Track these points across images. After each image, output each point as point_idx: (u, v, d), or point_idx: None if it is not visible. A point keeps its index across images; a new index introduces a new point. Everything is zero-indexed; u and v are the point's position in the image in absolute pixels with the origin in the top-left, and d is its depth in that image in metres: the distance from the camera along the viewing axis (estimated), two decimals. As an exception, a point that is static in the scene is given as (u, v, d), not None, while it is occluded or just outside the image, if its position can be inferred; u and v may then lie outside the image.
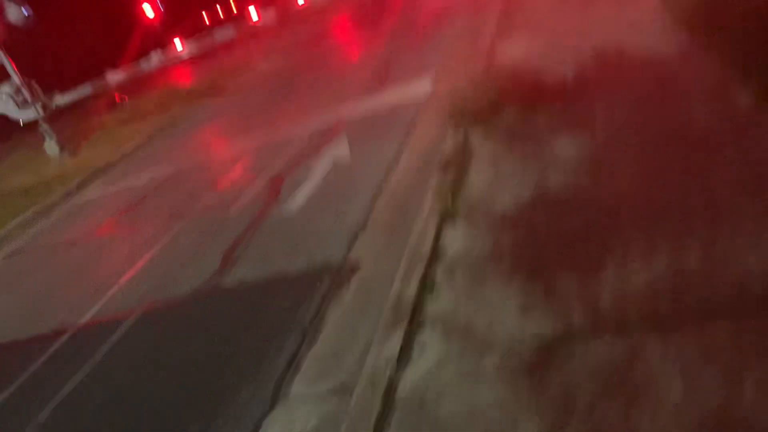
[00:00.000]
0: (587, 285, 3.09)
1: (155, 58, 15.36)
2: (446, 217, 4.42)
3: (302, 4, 15.15)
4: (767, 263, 2.74)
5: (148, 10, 33.77)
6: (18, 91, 14.23)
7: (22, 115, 14.69)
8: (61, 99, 15.31)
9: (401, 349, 3.26)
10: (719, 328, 2.55)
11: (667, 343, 2.56)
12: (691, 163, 3.73)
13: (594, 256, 3.28)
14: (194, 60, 23.92)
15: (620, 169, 4.01)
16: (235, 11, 38.11)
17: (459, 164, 5.14)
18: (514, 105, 5.78)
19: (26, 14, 14.16)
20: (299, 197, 6.37)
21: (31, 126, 16.54)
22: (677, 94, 4.67)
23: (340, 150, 7.36)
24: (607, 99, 5.12)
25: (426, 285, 3.73)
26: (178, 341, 4.64)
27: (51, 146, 14.82)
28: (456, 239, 4.10)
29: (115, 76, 15.98)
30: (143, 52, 16.85)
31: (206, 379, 4.00)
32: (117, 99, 22.00)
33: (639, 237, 3.27)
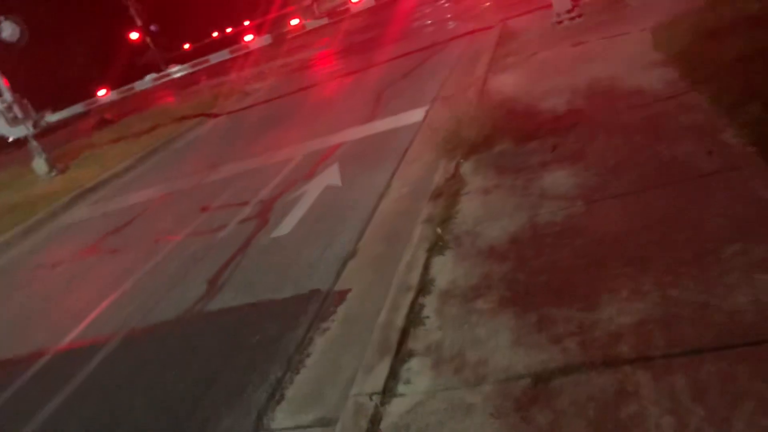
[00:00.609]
0: (578, 319, 3.05)
1: (148, 79, 15.34)
2: (436, 247, 4.39)
3: (296, 25, 15.26)
4: (755, 301, 2.71)
5: (142, 32, 34.05)
6: (9, 107, 14.16)
7: (12, 133, 14.59)
8: (51, 117, 15.24)
9: (387, 380, 3.20)
10: (709, 364, 2.51)
11: (658, 378, 2.53)
12: (682, 199, 3.73)
13: (585, 290, 3.25)
14: (188, 82, 24.01)
15: (610, 204, 4.01)
16: (230, 33, 38.49)
17: (450, 194, 5.13)
18: (507, 137, 5.80)
19: (20, 33, 14.15)
20: (288, 223, 6.32)
21: (20, 143, 16.45)
22: (666, 129, 4.70)
23: (331, 177, 7.34)
24: (597, 133, 5.14)
25: (414, 315, 3.68)
26: (159, 367, 4.54)
27: (40, 164, 14.71)
28: (445, 270, 4.06)
29: (107, 96, 15.94)
30: (136, 73, 16.85)
31: (187, 407, 3.89)
32: (108, 119, 21.99)
33: (629, 272, 3.25)
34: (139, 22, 35.56)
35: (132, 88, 15.54)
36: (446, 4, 20.93)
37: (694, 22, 6.67)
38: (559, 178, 4.64)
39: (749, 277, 2.88)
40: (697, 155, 4.13)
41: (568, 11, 9.98)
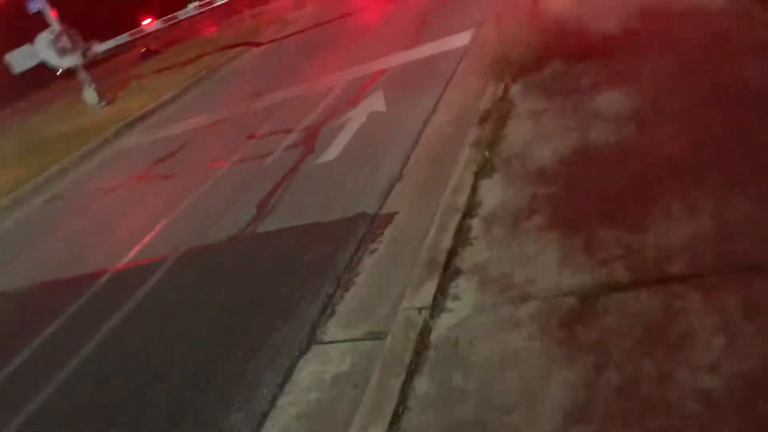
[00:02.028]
0: (627, 239, 3.04)
1: (191, 8, 15.29)
2: (483, 170, 4.38)
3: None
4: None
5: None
6: (58, 38, 14.35)
7: (62, 63, 14.84)
8: (99, 47, 15.41)
9: (435, 296, 3.28)
10: (762, 283, 2.49)
11: (709, 298, 2.52)
12: (740, 120, 3.60)
13: (635, 210, 3.22)
14: (229, 10, 23.80)
15: (664, 123, 3.90)
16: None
17: (498, 117, 5.06)
18: (558, 59, 5.64)
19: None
20: (334, 149, 6.36)
21: (69, 75, 16.74)
22: (728, 49, 4.48)
23: (376, 103, 7.30)
24: (652, 53, 4.95)
25: (461, 236, 3.72)
26: (213, 286, 4.74)
27: (90, 94, 15.01)
28: (493, 192, 4.06)
29: (151, 26, 15.99)
30: (180, 0, 16.79)
31: (241, 322, 4.08)
32: (153, 49, 22.11)
33: (683, 190, 3.20)
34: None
35: (175, 17, 15.53)
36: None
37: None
38: (610, 100, 4.51)
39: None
40: (757, 73, 3.95)
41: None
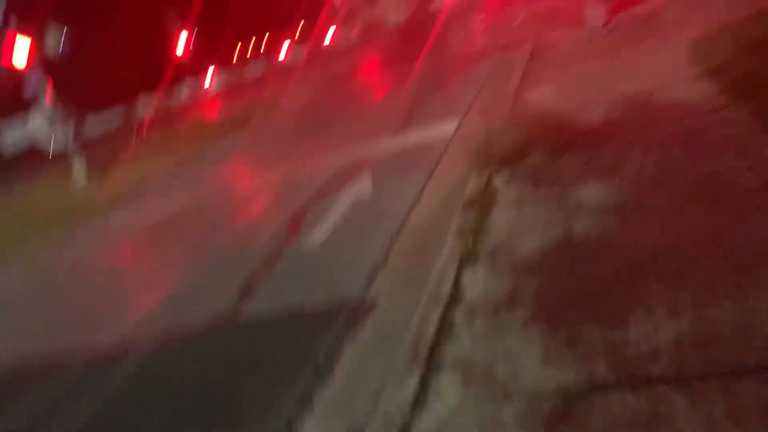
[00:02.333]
0: (611, 336, 2.99)
1: (185, 91, 15.66)
2: (467, 259, 4.36)
3: (329, 44, 15.50)
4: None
5: (181, 43, 34.55)
6: (50, 117, 14.56)
7: (53, 142, 15.00)
8: (91, 129, 15.64)
9: (417, 392, 3.17)
10: (747, 387, 2.43)
11: (693, 400, 2.45)
12: (721, 215, 3.64)
13: (618, 306, 3.18)
14: (222, 94, 24.44)
15: (647, 219, 3.93)
16: (264, 49, 38.96)
17: (482, 206, 5.09)
18: (541, 149, 5.75)
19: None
20: (320, 233, 6.35)
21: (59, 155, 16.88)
22: (705, 143, 4.60)
23: (363, 187, 7.37)
24: (634, 146, 5.06)
25: (444, 328, 3.65)
26: (189, 374, 4.58)
27: (79, 173, 15.09)
28: (476, 282, 4.02)
29: (144, 107, 16.32)
30: (173, 84, 17.23)
31: (216, 414, 3.91)
32: (145, 130, 22.46)
33: (665, 289, 3.17)
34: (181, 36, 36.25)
35: (170, 100, 15.86)
36: (481, 19, 20.93)
37: (733, 36, 6.55)
38: (593, 192, 4.56)
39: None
40: (736, 171, 4.03)
41: (603, 25, 9.89)
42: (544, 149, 5.71)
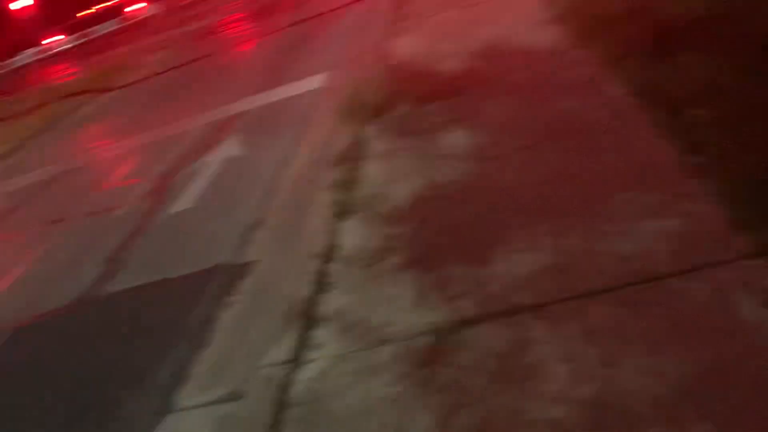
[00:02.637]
0: (476, 274, 3.12)
1: (30, 53, 14.29)
2: (341, 212, 4.36)
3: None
4: (641, 244, 2.87)
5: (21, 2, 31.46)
6: None
7: None
8: None
9: (295, 348, 3.17)
10: (599, 307, 2.64)
11: (552, 325, 2.63)
12: (571, 151, 3.87)
13: (482, 245, 3.33)
14: (76, 56, 22.57)
15: (505, 161, 4.11)
16: (118, 3, 36.28)
17: (353, 159, 5.10)
18: (407, 100, 5.81)
19: None
20: (189, 197, 6.10)
21: None
22: (556, 85, 4.85)
23: (232, 147, 7.13)
24: (492, 92, 5.25)
25: (321, 282, 3.65)
26: (55, 356, 4.30)
27: None
28: (351, 234, 4.04)
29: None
30: (16, 48, 15.67)
31: (88, 395, 3.71)
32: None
33: (524, 225, 3.36)
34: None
35: (11, 64, 14.44)
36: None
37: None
38: (457, 138, 4.70)
39: (633, 223, 3.04)
40: (585, 109, 4.29)
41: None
42: (410, 100, 5.78)
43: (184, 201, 6.04)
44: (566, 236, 3.14)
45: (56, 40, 15.05)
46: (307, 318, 3.38)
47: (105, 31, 13.81)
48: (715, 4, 4.71)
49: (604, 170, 3.55)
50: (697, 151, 3.30)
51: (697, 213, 2.93)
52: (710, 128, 3.40)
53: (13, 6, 32.68)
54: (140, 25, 20.15)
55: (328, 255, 3.91)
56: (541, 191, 3.60)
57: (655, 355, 2.32)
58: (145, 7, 15.87)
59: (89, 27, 14.02)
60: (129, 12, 15.19)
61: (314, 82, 8.30)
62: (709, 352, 2.25)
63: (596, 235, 3.07)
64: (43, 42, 18.74)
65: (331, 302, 3.43)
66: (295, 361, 3.09)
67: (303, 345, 3.18)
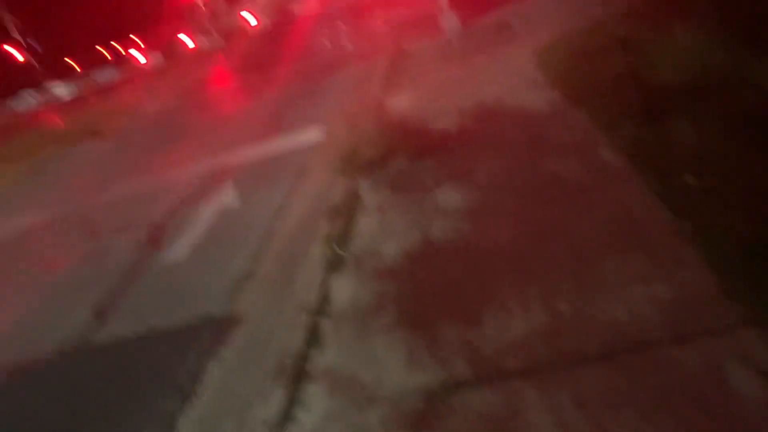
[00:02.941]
0: (467, 335, 3.12)
1: (28, 99, 14.43)
2: (333, 266, 4.37)
3: (192, 48, 14.98)
4: (632, 310, 2.88)
5: (19, 46, 31.89)
6: None
7: None
8: None
9: (284, 406, 3.13)
10: (590, 374, 2.63)
11: (543, 391, 2.61)
12: (562, 213, 3.92)
13: (473, 305, 3.33)
14: (73, 102, 22.81)
15: (497, 220, 4.15)
16: (120, 53, 36.93)
17: (347, 213, 5.13)
18: (402, 156, 5.89)
19: None
20: (181, 246, 6.09)
21: None
22: (548, 146, 4.94)
23: (226, 197, 7.16)
24: (485, 151, 5.33)
25: (311, 337, 3.63)
26: (38, 408, 4.20)
27: None
28: (343, 290, 4.04)
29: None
30: (14, 92, 15.84)
31: (69, 448, 3.63)
32: (-17, 140, 20.45)
33: (515, 286, 3.37)
34: (16, 35, 33.35)
35: (6, 107, 14.56)
36: (343, 26, 21.12)
37: (573, 45, 7.09)
38: (450, 195, 4.75)
39: (623, 288, 3.06)
40: (577, 170, 4.36)
41: (458, 33, 10.34)
42: (405, 155, 5.86)
43: (176, 251, 6.03)
44: (557, 299, 3.16)
45: (55, 85, 15.26)
46: (297, 374, 3.35)
47: (104, 78, 14.00)
48: (704, 73, 4.85)
49: (594, 233, 3.59)
50: (686, 217, 3.35)
51: (687, 279, 2.96)
52: (700, 194, 3.46)
53: (11, 49, 33.20)
54: (140, 73, 20.45)
55: (320, 309, 3.89)
56: (532, 251, 3.63)
57: (646, 424, 2.30)
58: (145, 55, 16.12)
59: (89, 73, 14.26)
60: (129, 60, 15.49)
61: (310, 134, 8.40)
62: (702, 423, 2.24)
63: (587, 299, 3.08)
64: (42, 86, 18.97)
65: (321, 358, 3.40)
66: (284, 419, 3.04)
67: (292, 402, 3.14)
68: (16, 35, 32.92)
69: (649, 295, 2.94)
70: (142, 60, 14.64)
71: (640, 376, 2.53)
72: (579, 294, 3.13)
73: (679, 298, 2.86)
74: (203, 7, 34.58)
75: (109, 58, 33.55)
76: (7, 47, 32.50)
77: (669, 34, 5.78)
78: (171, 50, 17.76)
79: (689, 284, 2.92)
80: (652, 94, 4.87)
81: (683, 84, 4.84)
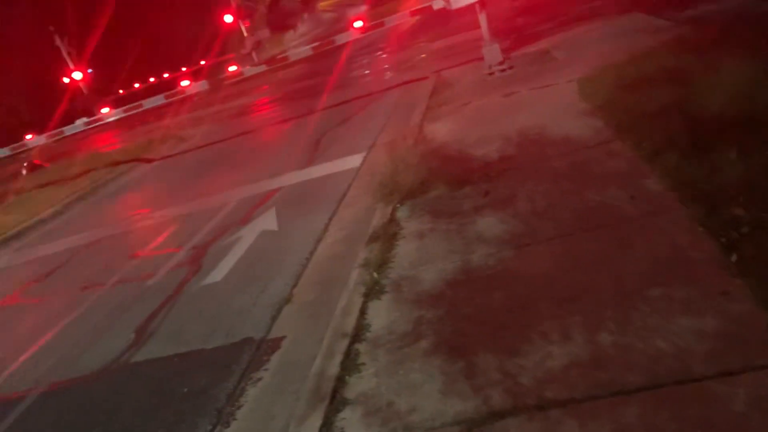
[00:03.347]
0: (507, 364, 3.07)
1: (80, 123, 14.98)
2: (372, 292, 4.37)
3: (233, 71, 15.39)
4: (677, 342, 2.80)
5: (77, 75, 33.26)
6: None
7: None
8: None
9: (320, 430, 3.12)
10: (632, 406, 2.56)
11: (583, 423, 2.55)
12: (606, 243, 3.86)
13: (514, 334, 3.29)
14: (121, 127, 23.56)
15: (539, 248, 4.11)
16: (167, 78, 38.14)
17: (386, 239, 5.14)
18: (442, 183, 5.90)
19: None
20: (222, 269, 6.18)
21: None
22: (592, 175, 4.88)
23: (267, 222, 7.26)
24: (527, 179, 5.31)
25: (348, 363, 3.62)
26: (80, 425, 4.28)
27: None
28: (381, 315, 4.03)
29: (36, 140, 15.45)
30: (69, 118, 16.45)
31: (108, 466, 3.68)
32: (37, 163, 21.23)
33: (557, 315, 3.32)
34: (71, 65, 34.79)
35: (62, 132, 15.13)
36: (383, 55, 21.41)
37: (618, 75, 7.04)
38: (491, 223, 4.73)
39: (668, 320, 2.98)
40: (621, 200, 4.30)
41: (499, 63, 10.37)
42: (445, 183, 5.87)
43: (217, 273, 6.12)
44: (599, 329, 3.10)
45: (106, 112, 15.82)
46: (334, 399, 3.34)
47: (151, 105, 14.45)
48: (754, 104, 4.75)
49: (638, 263, 3.53)
50: (734, 250, 3.26)
51: (734, 313, 2.87)
52: (748, 227, 3.37)
53: (66, 79, 34.62)
54: (185, 100, 21.04)
55: (357, 335, 3.89)
56: (575, 281, 3.57)
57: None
58: (190, 84, 16.61)
59: (137, 101, 14.80)
60: (177, 88, 16.03)
61: (352, 161, 8.49)
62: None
63: (630, 330, 3.01)
64: (95, 113, 19.71)
65: (359, 384, 3.39)
66: (320, 443, 3.03)
67: (328, 427, 3.14)
68: (72, 65, 34.38)
69: (694, 327, 2.87)
70: (190, 88, 15.09)
71: (684, 409, 2.45)
72: (622, 325, 3.07)
73: (726, 332, 2.77)
74: (248, 36, 35.59)
75: (158, 86, 34.69)
76: (65, 78, 33.98)
77: (719, 65, 5.69)
78: (217, 78, 18.23)
79: (736, 319, 2.83)
80: (699, 125, 4.78)
81: (732, 115, 4.74)
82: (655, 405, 2.53)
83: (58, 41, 34.31)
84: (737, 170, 3.93)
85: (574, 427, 2.55)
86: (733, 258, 3.22)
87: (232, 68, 17.05)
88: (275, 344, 4.40)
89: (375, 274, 4.59)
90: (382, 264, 4.73)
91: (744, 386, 2.46)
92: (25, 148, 16.04)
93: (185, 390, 4.19)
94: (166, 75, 39.77)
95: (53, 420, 4.50)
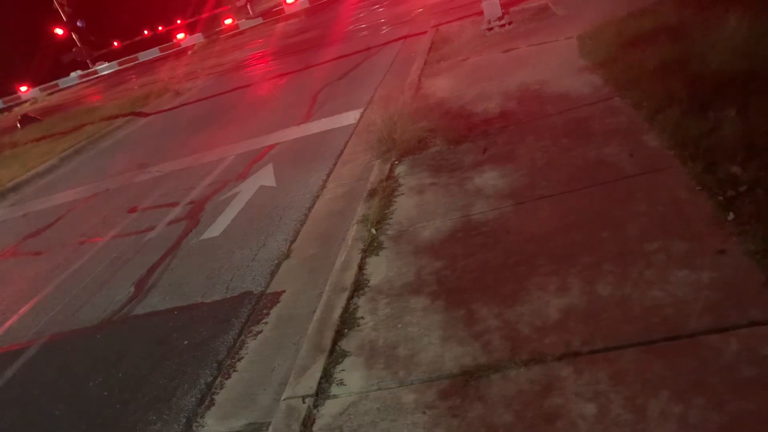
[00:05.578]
0: (505, 314, 3.12)
1: (74, 76, 14.78)
2: (370, 247, 4.40)
3: (229, 24, 15.14)
4: (671, 296, 2.85)
5: (67, 28, 32.56)
6: None
7: None
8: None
9: (320, 381, 3.18)
10: (629, 355, 2.62)
11: (580, 371, 2.61)
12: (605, 198, 3.87)
13: (512, 286, 3.33)
14: (117, 80, 23.25)
15: (538, 203, 4.13)
16: (161, 31, 37.41)
17: (385, 194, 5.15)
18: (441, 138, 5.88)
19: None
20: (220, 224, 6.20)
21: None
22: (591, 131, 4.87)
23: (265, 177, 7.25)
24: (527, 135, 5.29)
25: (348, 316, 3.67)
26: (82, 374, 4.35)
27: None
28: (380, 269, 4.07)
29: (29, 93, 15.26)
30: (62, 70, 16.22)
31: (113, 414, 3.75)
32: (31, 116, 21.01)
33: (555, 268, 3.35)
34: (64, 17, 34.05)
35: (56, 85, 14.93)
36: (380, 9, 21.04)
37: (617, 31, 6.95)
38: (490, 179, 4.74)
39: (666, 273, 3.02)
40: (620, 157, 4.31)
41: (499, 18, 10.22)
42: (444, 138, 5.85)
43: (215, 228, 6.14)
44: (597, 281, 3.14)
45: (100, 65, 15.58)
46: (334, 351, 3.39)
47: (146, 58, 14.20)
48: (755, 62, 4.71)
49: (636, 219, 3.55)
50: (732, 208, 3.28)
51: (730, 269, 2.91)
52: (746, 185, 3.38)
53: (58, 31, 33.93)
54: (182, 53, 20.73)
55: (357, 288, 3.93)
56: (573, 235, 3.60)
57: (681, 403, 2.30)
58: (185, 37, 16.32)
59: (131, 54, 14.52)
60: (172, 41, 15.72)
61: (350, 117, 8.44)
62: (738, 404, 2.22)
63: (627, 283, 3.05)
64: (88, 66, 19.38)
65: (359, 337, 3.44)
66: (320, 394, 3.10)
67: (328, 379, 3.19)
68: (65, 18, 33.61)
69: (690, 280, 2.91)
70: (185, 41, 14.82)
71: (679, 358, 2.51)
72: (619, 278, 3.11)
73: (722, 287, 2.81)
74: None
75: (153, 39, 34.04)
76: (57, 30, 33.28)
77: (720, 21, 5.61)
78: (212, 31, 17.92)
79: (732, 274, 2.87)
80: (699, 82, 4.75)
81: (733, 73, 4.70)
82: (651, 354, 2.58)
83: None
84: (736, 128, 3.92)
85: (570, 374, 2.61)
86: (730, 216, 3.24)
87: (228, 21, 16.75)
88: (274, 298, 4.45)
89: (373, 230, 4.61)
90: (380, 220, 4.75)
91: (737, 338, 2.51)
92: (19, 101, 15.83)
93: (185, 342, 4.25)
94: (160, 28, 39.02)
95: (56, 370, 4.57)
